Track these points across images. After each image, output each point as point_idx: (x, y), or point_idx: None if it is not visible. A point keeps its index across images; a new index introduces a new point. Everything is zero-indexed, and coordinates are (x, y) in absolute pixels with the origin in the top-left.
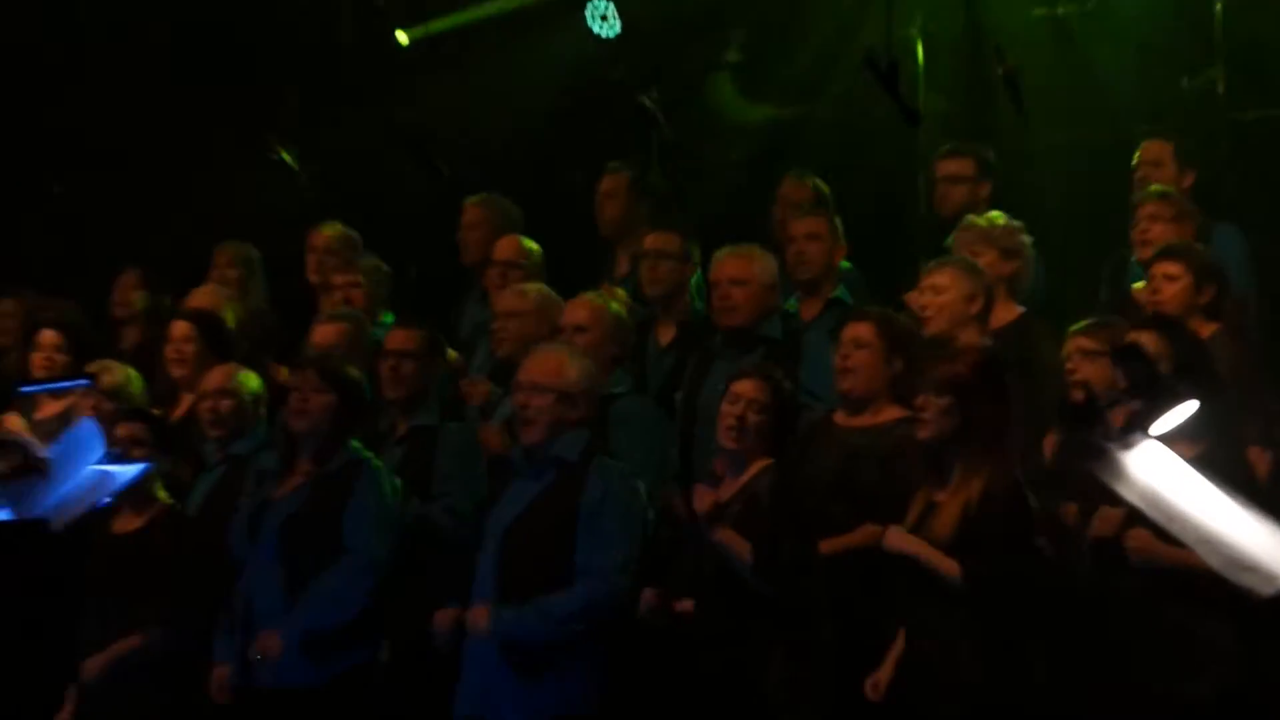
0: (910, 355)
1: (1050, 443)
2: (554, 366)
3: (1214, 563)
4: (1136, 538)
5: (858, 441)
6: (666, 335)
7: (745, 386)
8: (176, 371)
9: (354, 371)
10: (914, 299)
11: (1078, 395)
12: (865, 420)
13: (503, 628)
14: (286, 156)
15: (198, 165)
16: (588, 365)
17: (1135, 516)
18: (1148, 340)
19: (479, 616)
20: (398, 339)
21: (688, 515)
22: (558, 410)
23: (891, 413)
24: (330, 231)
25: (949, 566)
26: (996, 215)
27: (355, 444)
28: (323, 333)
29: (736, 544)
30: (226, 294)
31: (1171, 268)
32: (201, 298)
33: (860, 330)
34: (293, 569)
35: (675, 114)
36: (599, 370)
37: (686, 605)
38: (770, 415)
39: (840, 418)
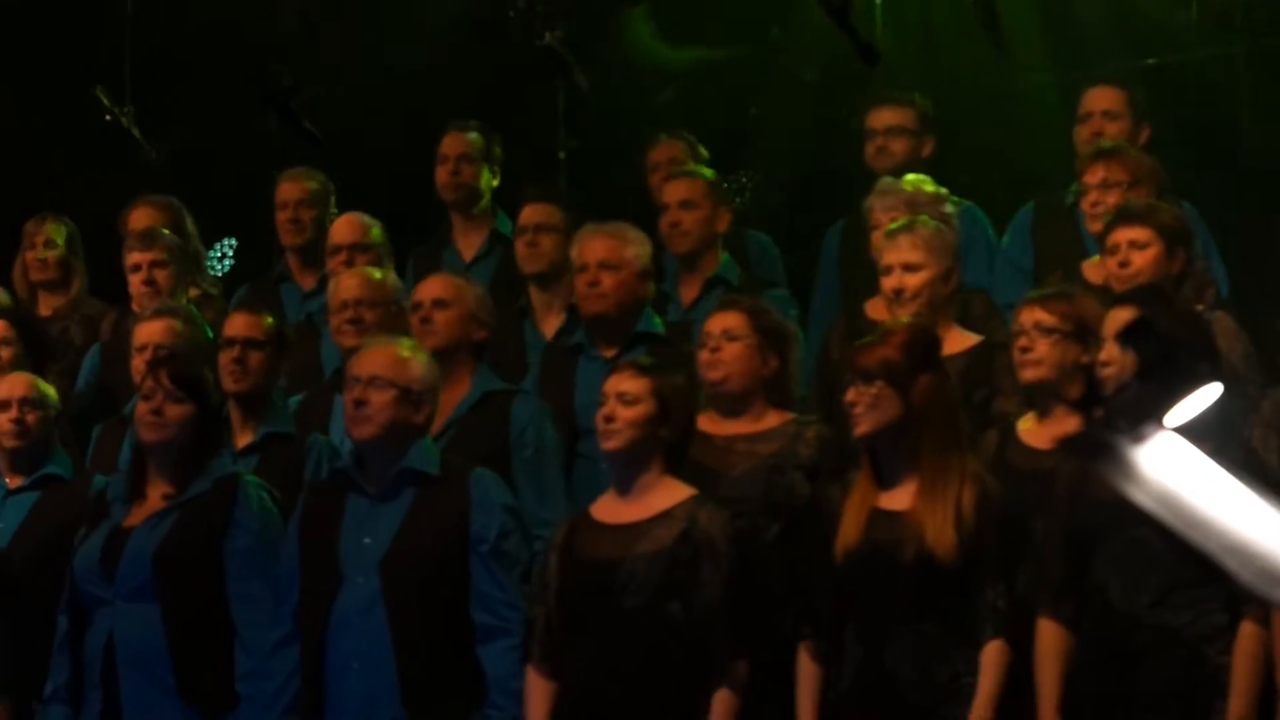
0: (785, 356)
1: (994, 436)
2: (394, 359)
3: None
4: None
5: (762, 450)
6: (551, 326)
7: (611, 381)
8: None
9: (208, 371)
10: (887, 283)
11: (1034, 375)
12: (749, 426)
13: None
14: (122, 118)
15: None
16: (433, 364)
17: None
18: (1125, 318)
19: None
20: (242, 324)
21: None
22: (398, 410)
23: (776, 417)
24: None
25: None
26: (919, 178)
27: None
28: (148, 330)
29: None
30: (41, 279)
31: (1138, 233)
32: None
33: (730, 320)
34: (171, 610)
35: (584, 57)
36: (460, 359)
37: None
38: (648, 409)
39: (709, 425)
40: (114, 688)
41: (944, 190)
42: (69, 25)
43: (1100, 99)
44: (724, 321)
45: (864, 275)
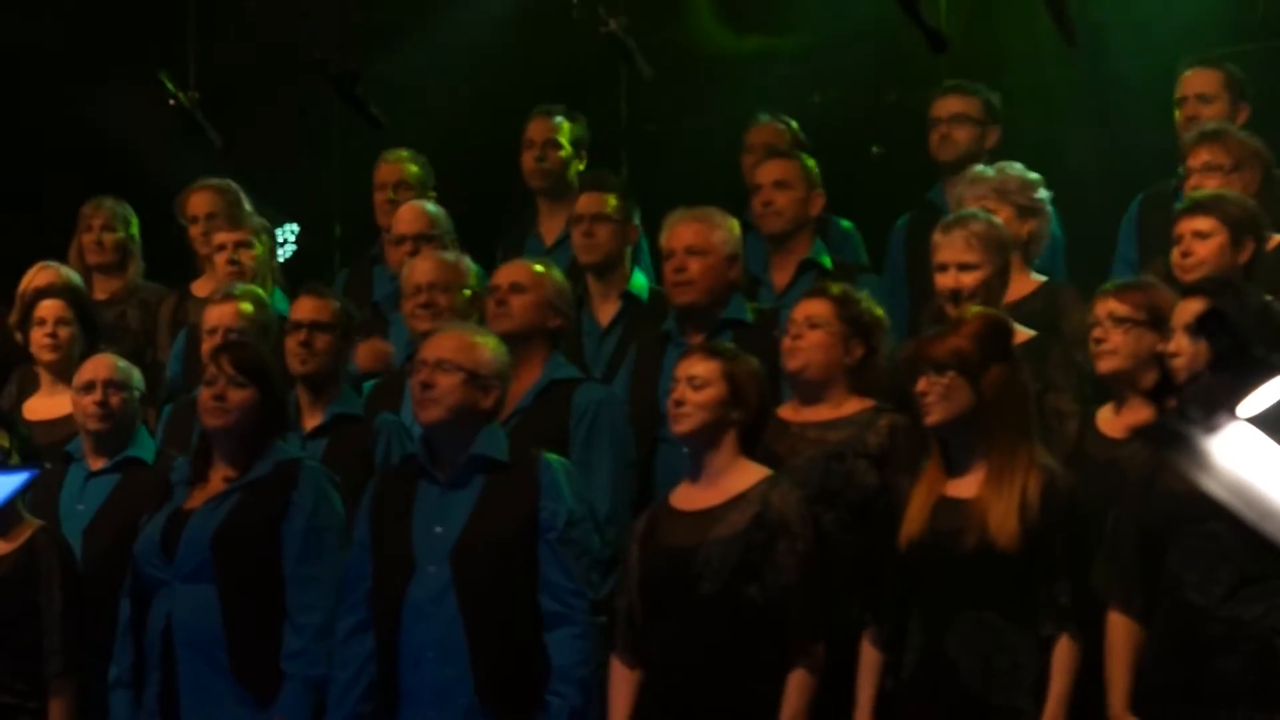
0: (872, 345)
1: (1074, 426)
2: (464, 343)
3: None
4: None
5: (832, 437)
6: (607, 313)
7: (682, 366)
8: (48, 358)
9: (270, 355)
10: (943, 281)
11: (1110, 365)
12: (827, 413)
13: None
14: (184, 99)
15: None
16: (502, 350)
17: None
18: (1195, 309)
19: None
20: (308, 308)
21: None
22: (465, 393)
23: (855, 404)
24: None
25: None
26: (1011, 166)
27: (281, 443)
28: (219, 314)
29: None
30: (97, 263)
31: (1201, 223)
32: (50, 272)
33: (815, 308)
34: (227, 591)
35: (646, 46)
36: (533, 345)
37: None
38: (718, 392)
39: (789, 412)
40: (172, 668)
41: (1035, 176)
42: (132, 9)
43: (1195, 82)
44: (809, 309)
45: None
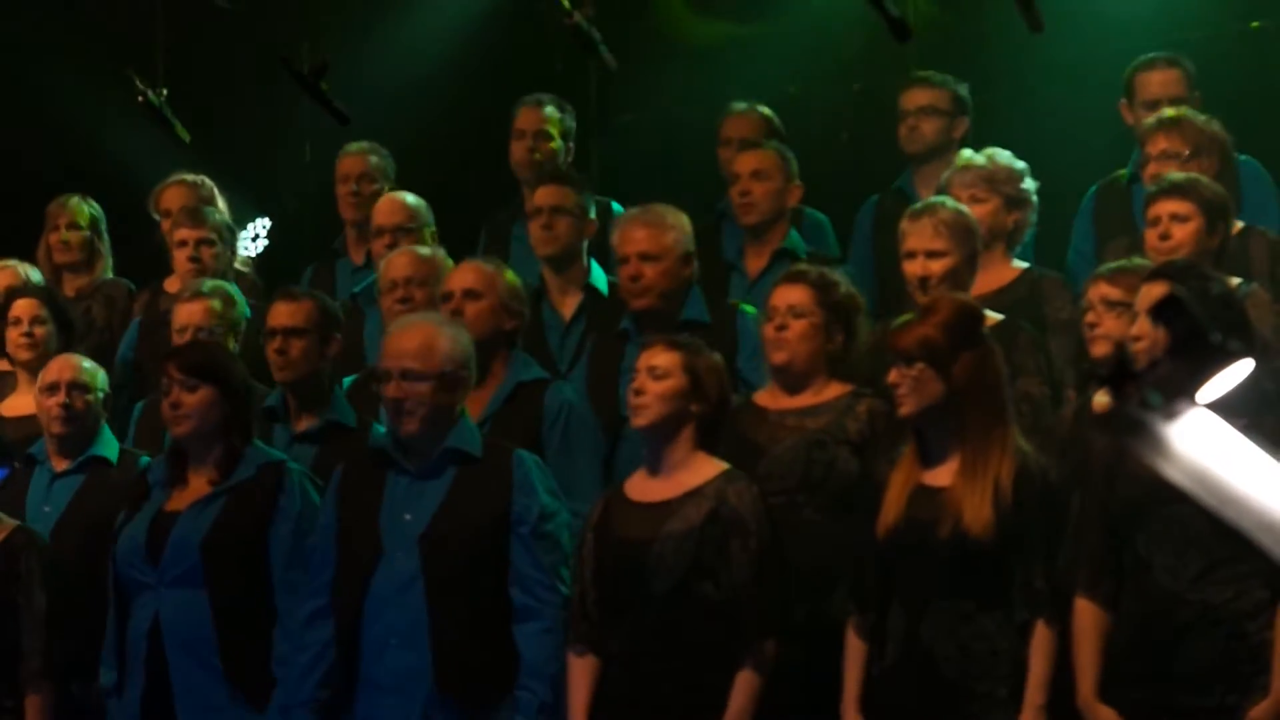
0: (851, 329)
1: (1070, 411)
2: (425, 345)
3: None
4: None
5: (811, 424)
6: (569, 306)
7: (642, 356)
8: (24, 357)
9: (221, 350)
10: (910, 269)
11: (1104, 349)
12: (807, 400)
13: None
14: (152, 96)
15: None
16: (463, 335)
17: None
18: (1158, 292)
19: None
20: (281, 314)
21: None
22: (436, 398)
23: (835, 390)
24: (178, 187)
25: None
26: (999, 154)
27: (259, 444)
28: (188, 312)
29: None
30: (65, 261)
31: (1179, 206)
32: (12, 271)
33: (794, 295)
34: (218, 596)
35: (614, 35)
36: (493, 350)
37: None
38: (678, 383)
39: (767, 399)
40: (162, 671)
41: (1023, 165)
42: (100, 5)
43: (1153, 85)
44: (789, 296)
45: (897, 255)
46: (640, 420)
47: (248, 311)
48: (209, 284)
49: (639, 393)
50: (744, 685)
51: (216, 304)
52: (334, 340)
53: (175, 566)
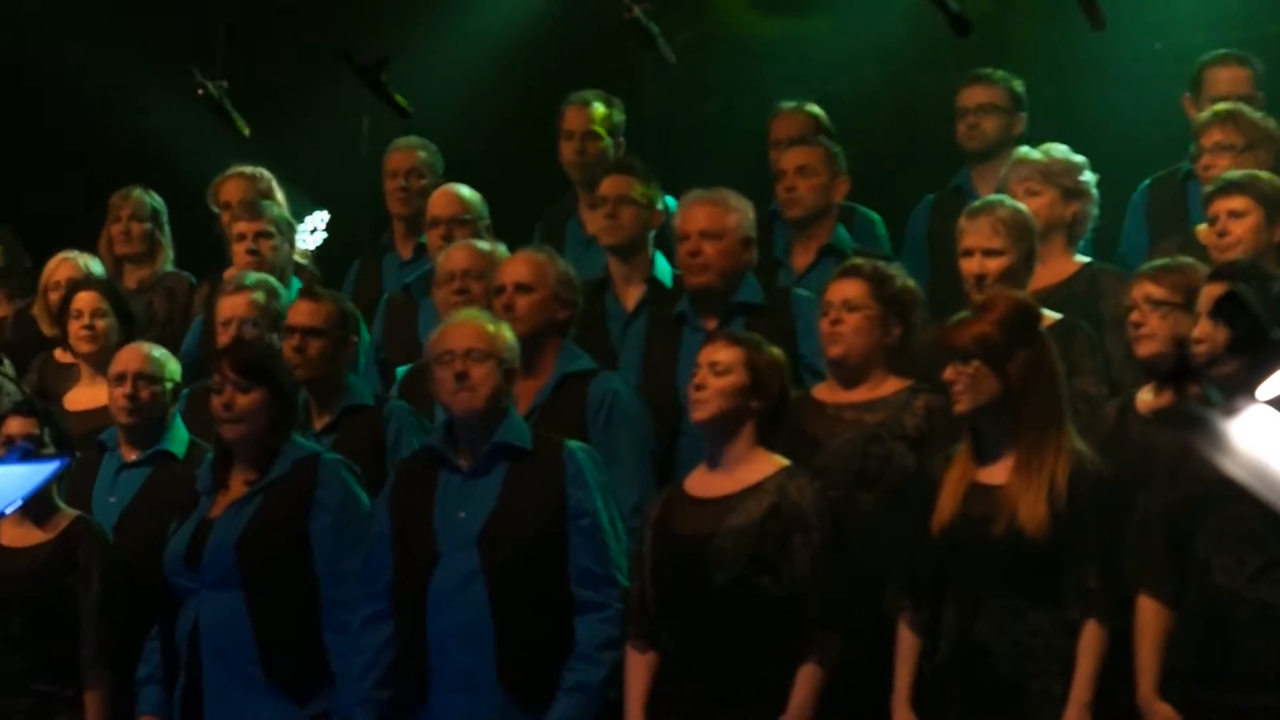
0: (909, 322)
1: (1113, 409)
2: (486, 331)
3: None
4: None
5: (869, 419)
6: (632, 297)
7: (704, 352)
8: (86, 349)
9: (273, 351)
10: (968, 267)
11: (1148, 349)
12: (864, 395)
13: None
14: (213, 89)
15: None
16: (514, 337)
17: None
18: (1217, 293)
19: None
20: (302, 312)
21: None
22: (498, 381)
23: (893, 384)
24: (237, 179)
25: None
26: (1055, 148)
27: (297, 439)
28: (231, 305)
29: None
30: (126, 253)
31: (1237, 202)
32: (73, 263)
33: (849, 289)
34: (255, 596)
35: (673, 30)
36: (545, 342)
37: None
38: (739, 379)
39: (826, 393)
40: (197, 674)
41: (1080, 158)
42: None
43: (1224, 81)
44: (845, 290)
45: (953, 253)
46: (700, 415)
47: None
48: (252, 277)
49: (700, 388)
50: (806, 678)
51: (260, 296)
52: (351, 341)
53: (213, 570)
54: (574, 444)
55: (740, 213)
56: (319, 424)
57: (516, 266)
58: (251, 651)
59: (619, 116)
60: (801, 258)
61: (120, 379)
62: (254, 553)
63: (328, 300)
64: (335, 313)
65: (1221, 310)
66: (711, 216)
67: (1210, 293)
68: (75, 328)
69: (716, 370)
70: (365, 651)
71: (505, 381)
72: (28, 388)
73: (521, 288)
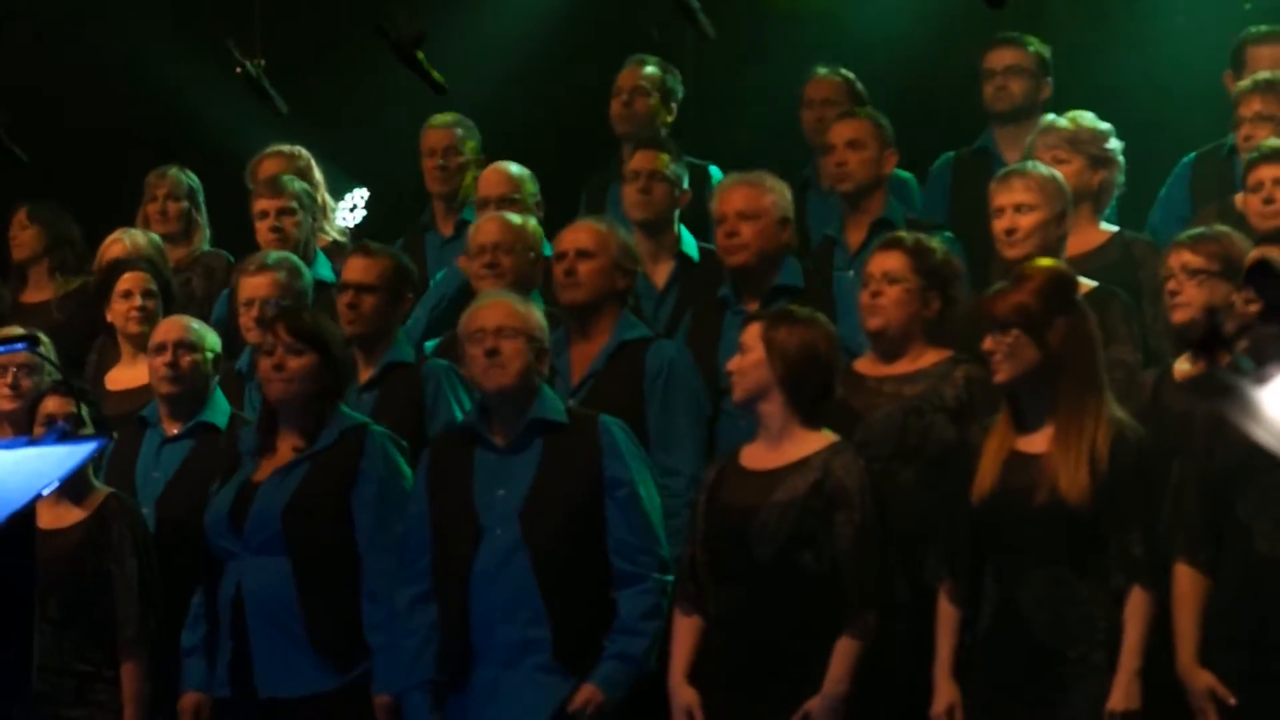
0: (950, 295)
1: (1150, 378)
2: (516, 310)
3: None
4: None
5: (909, 391)
6: (661, 274)
7: (746, 333)
8: (134, 330)
9: (329, 320)
10: (999, 225)
11: (1185, 317)
12: (904, 367)
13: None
14: (250, 67)
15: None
16: (543, 317)
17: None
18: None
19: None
20: (355, 269)
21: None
22: (528, 358)
23: (933, 356)
24: (276, 158)
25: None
26: (1083, 115)
27: (344, 409)
28: (254, 285)
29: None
30: (163, 232)
31: None
32: (126, 244)
33: (890, 262)
34: (300, 563)
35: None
36: (604, 309)
37: None
38: (795, 366)
39: (866, 366)
40: (244, 639)
41: (1107, 126)
42: None
43: (1266, 58)
44: (884, 263)
45: (977, 212)
46: (739, 396)
47: (332, 278)
48: (274, 256)
49: (739, 372)
50: (844, 652)
51: (282, 275)
52: (406, 299)
53: (258, 534)
54: (609, 418)
55: (777, 193)
56: (364, 378)
57: (579, 234)
58: (297, 617)
59: (673, 83)
60: (855, 234)
61: (161, 348)
62: (300, 520)
63: (383, 255)
64: (390, 268)
65: (1253, 278)
66: (748, 198)
67: (1253, 259)
68: (125, 308)
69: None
70: (416, 633)
71: (536, 359)
72: (90, 369)
73: (584, 254)
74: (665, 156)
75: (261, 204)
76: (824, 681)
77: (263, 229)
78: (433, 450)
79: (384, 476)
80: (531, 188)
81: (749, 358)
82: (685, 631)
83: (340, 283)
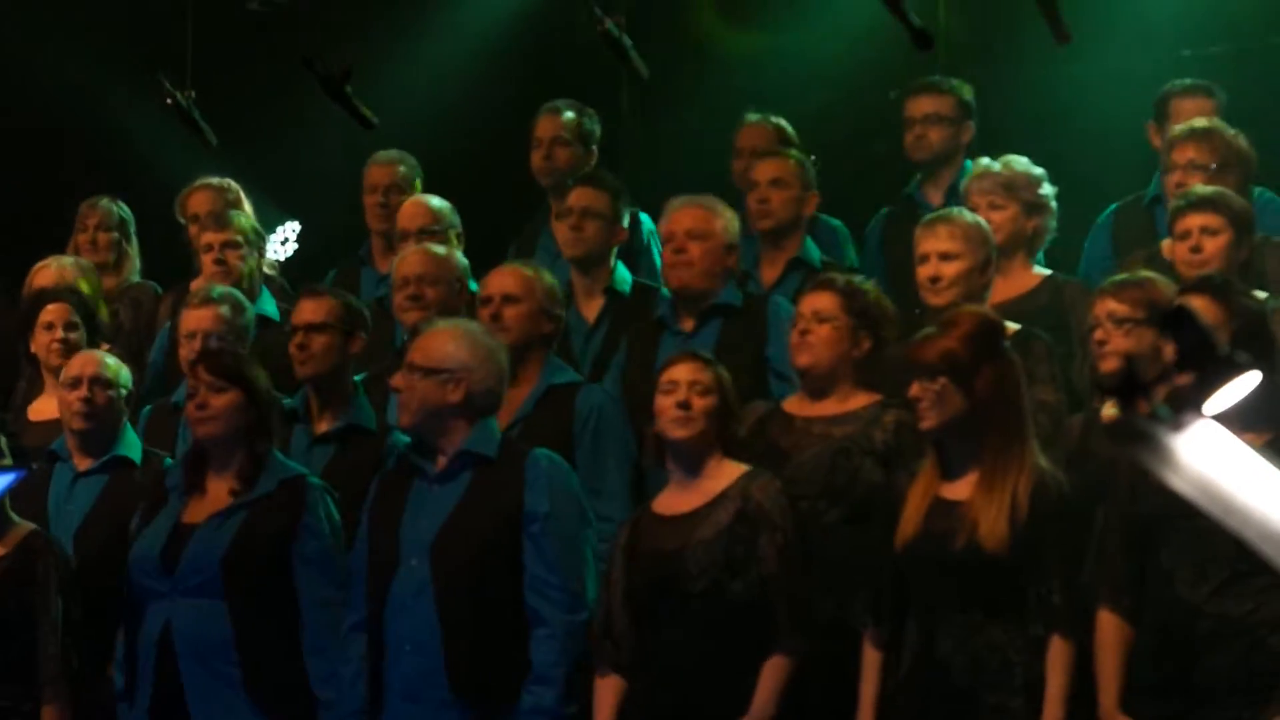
0: (879, 335)
1: (1078, 423)
2: (447, 344)
3: None
4: None
5: (838, 433)
6: (592, 309)
7: (680, 370)
8: (56, 362)
9: (249, 358)
10: (923, 272)
11: (1110, 366)
12: (833, 408)
13: None
14: (181, 98)
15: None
16: (497, 347)
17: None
18: (1200, 305)
19: None
20: (305, 310)
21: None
22: (435, 394)
23: (862, 399)
24: (205, 191)
25: None
26: (1016, 160)
27: (280, 456)
28: (196, 318)
29: None
30: (93, 263)
31: (1210, 219)
32: (54, 271)
33: (822, 302)
34: (238, 609)
35: (644, 43)
36: (530, 354)
37: None
38: (717, 399)
39: (795, 406)
40: (173, 681)
41: (1040, 171)
42: (130, 6)
43: (1189, 111)
44: (816, 302)
45: (909, 263)
46: (684, 433)
47: (276, 314)
48: (218, 290)
49: (686, 406)
50: (772, 672)
51: (225, 310)
52: (357, 338)
53: (191, 578)
54: (541, 452)
55: (726, 220)
56: (320, 428)
57: (504, 278)
58: (232, 661)
59: (591, 125)
60: (770, 271)
61: (75, 383)
62: (241, 567)
63: (330, 296)
64: (338, 308)
65: (1170, 325)
66: (698, 218)
67: (1195, 305)
68: (47, 340)
69: (697, 390)
70: (351, 662)
71: (446, 391)
72: (19, 399)
73: (509, 299)
74: (602, 193)
75: (207, 237)
76: (751, 704)
77: (207, 262)
78: (379, 481)
79: (324, 531)
80: (452, 219)
81: (709, 400)
82: (606, 692)
83: (290, 325)
